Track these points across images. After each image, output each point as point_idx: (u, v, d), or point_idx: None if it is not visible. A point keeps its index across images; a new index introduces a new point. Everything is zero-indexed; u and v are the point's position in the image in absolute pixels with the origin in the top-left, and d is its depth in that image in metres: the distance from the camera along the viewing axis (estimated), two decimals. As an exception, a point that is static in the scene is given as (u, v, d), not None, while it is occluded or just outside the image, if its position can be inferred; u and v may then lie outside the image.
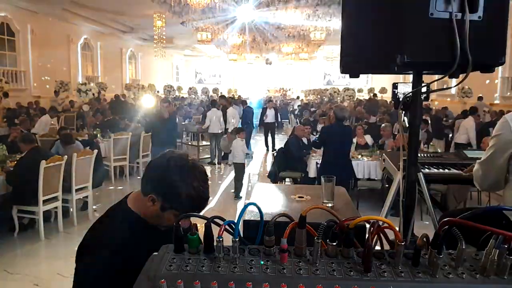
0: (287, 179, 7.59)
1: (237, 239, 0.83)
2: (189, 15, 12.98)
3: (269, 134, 13.00)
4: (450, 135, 11.44)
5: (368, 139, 7.79)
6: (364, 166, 6.83)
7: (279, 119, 15.64)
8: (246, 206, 0.93)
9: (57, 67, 16.49)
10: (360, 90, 25.49)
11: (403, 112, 1.49)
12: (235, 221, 0.89)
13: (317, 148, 6.52)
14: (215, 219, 0.90)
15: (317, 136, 6.76)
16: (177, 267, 0.82)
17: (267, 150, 12.72)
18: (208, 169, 9.82)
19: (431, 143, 8.09)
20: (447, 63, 1.15)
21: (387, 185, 6.27)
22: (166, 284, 0.75)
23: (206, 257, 0.85)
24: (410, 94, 1.43)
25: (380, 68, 1.43)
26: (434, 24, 1.15)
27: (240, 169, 7.54)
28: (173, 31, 19.03)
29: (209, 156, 11.03)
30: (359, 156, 6.99)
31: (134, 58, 26.17)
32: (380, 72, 1.55)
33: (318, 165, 6.40)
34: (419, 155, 2.16)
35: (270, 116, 12.99)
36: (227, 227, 0.88)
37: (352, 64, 1.49)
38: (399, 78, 2.27)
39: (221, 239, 0.84)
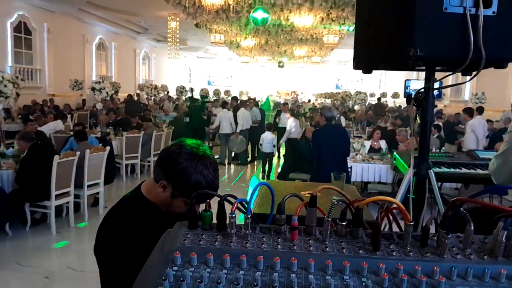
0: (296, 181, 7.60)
1: (249, 215, 0.85)
2: (203, 17, 13.06)
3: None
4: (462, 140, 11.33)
5: (382, 144, 7.77)
6: (375, 169, 6.82)
7: None
8: (258, 185, 0.95)
9: (72, 66, 16.71)
10: (372, 95, 25.29)
11: (416, 109, 1.48)
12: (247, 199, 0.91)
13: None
14: (227, 197, 0.93)
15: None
16: (190, 241, 0.84)
17: (278, 157, 11.63)
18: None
19: (443, 148, 8.02)
20: (460, 58, 1.16)
21: (397, 188, 6.22)
22: (180, 256, 0.77)
23: (219, 233, 0.88)
24: (423, 89, 1.43)
25: (393, 63, 1.43)
26: (448, 19, 1.15)
27: (269, 157, 9.37)
28: (187, 32, 19.16)
29: (218, 156, 11.04)
30: (370, 159, 6.97)
31: (147, 59, 26.41)
32: (393, 67, 1.55)
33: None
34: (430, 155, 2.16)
35: (284, 120, 11.90)
36: (239, 205, 0.90)
37: (365, 59, 1.50)
38: (412, 78, 2.28)
39: (234, 215, 0.86)
